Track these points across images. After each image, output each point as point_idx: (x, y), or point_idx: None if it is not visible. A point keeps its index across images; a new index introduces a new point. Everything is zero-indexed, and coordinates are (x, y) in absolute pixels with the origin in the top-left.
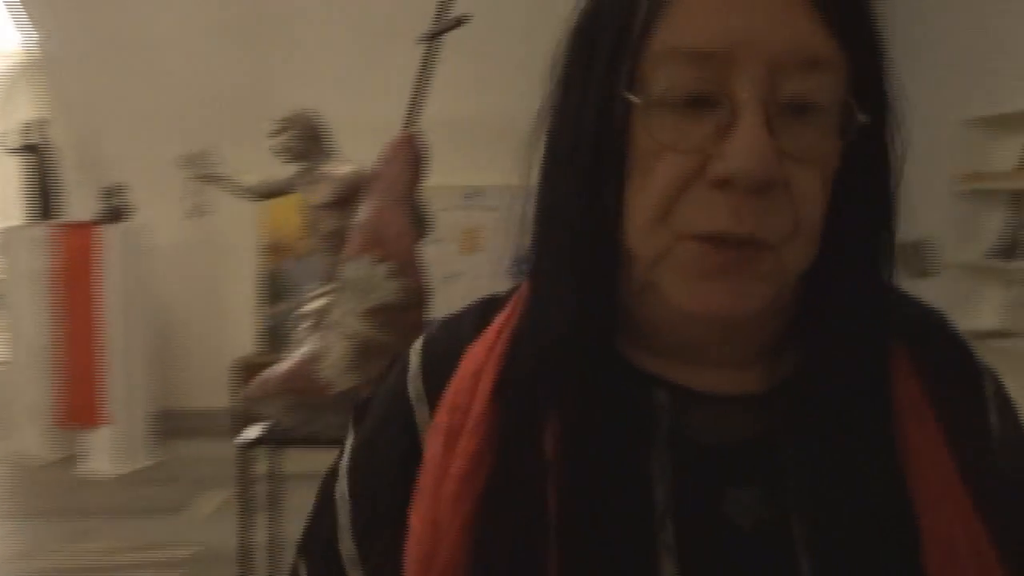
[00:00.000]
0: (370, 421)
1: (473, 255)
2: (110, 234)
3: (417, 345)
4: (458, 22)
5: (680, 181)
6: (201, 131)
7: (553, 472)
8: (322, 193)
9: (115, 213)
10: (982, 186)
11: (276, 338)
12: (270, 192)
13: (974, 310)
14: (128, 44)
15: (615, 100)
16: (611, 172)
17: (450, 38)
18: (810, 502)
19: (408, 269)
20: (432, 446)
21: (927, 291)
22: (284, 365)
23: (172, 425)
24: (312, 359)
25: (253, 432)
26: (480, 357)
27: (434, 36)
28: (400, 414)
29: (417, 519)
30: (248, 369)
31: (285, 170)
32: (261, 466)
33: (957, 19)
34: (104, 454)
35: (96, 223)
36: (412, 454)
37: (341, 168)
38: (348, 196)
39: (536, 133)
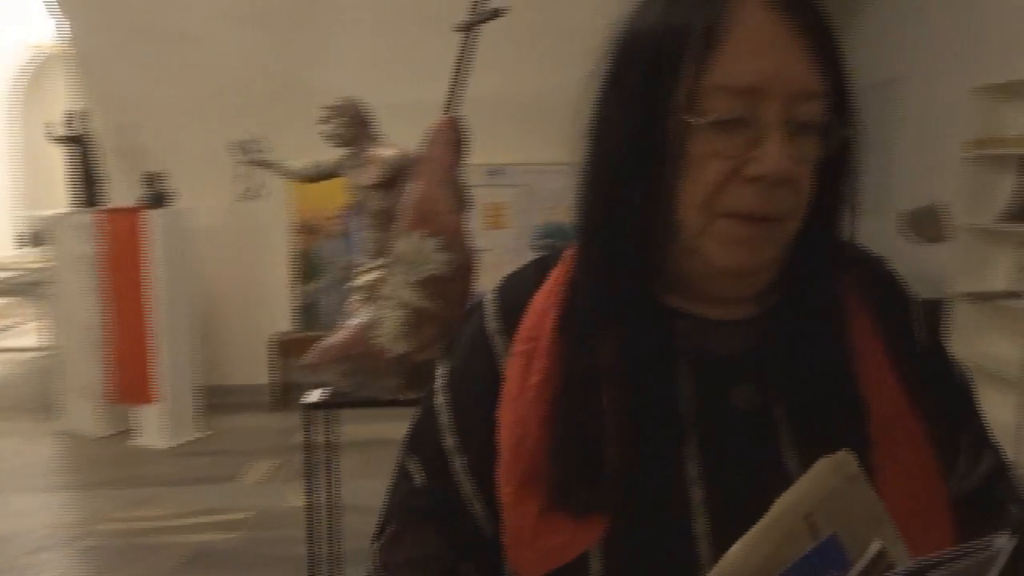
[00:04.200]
0: (459, 351)
1: (497, 231)
2: (154, 219)
3: (490, 295)
4: (495, 13)
5: (723, 177)
6: (237, 119)
7: (607, 378)
8: (370, 175)
9: (157, 199)
10: (994, 151)
11: (310, 315)
12: (319, 175)
13: (986, 272)
14: (162, 35)
15: (671, 118)
16: (667, 170)
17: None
18: (787, 390)
19: (455, 243)
20: (513, 366)
21: (941, 254)
22: (341, 334)
23: (216, 400)
24: (368, 328)
25: (315, 396)
26: (545, 301)
27: (471, 25)
28: (483, 345)
29: (507, 417)
30: (285, 345)
31: (329, 153)
32: (315, 434)
33: None
34: (154, 429)
35: (140, 208)
36: (493, 373)
37: (387, 151)
38: (394, 177)
39: (583, 129)
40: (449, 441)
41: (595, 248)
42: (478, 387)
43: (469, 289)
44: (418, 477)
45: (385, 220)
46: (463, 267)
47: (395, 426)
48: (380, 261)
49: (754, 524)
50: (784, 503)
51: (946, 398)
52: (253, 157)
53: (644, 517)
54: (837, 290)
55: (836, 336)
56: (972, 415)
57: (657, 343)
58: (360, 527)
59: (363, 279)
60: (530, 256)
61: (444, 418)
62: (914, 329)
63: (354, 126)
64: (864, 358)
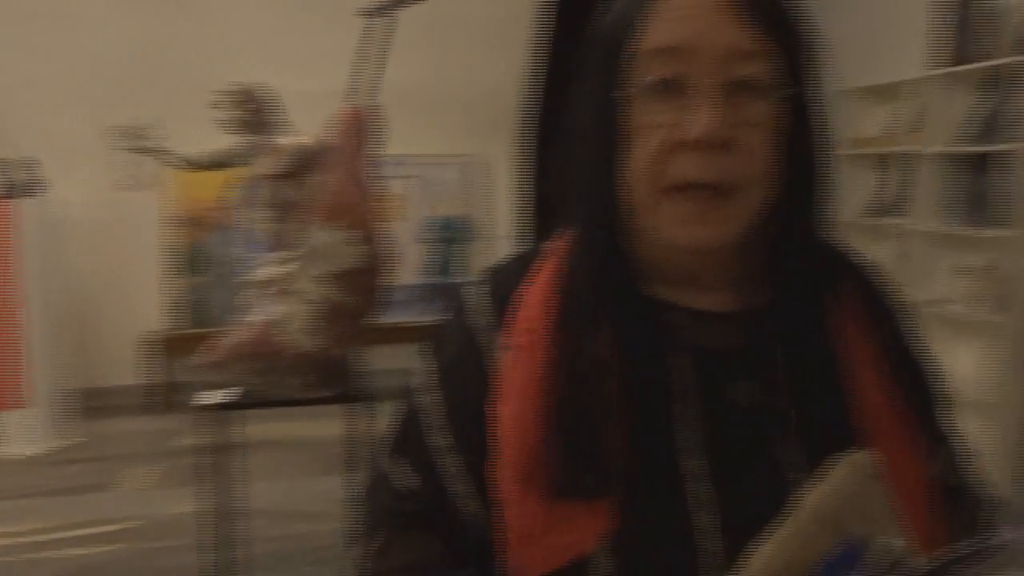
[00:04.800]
0: (445, 348)
1: (393, 222)
2: (22, 209)
3: (474, 290)
4: None
5: (663, 146)
6: (115, 104)
7: (607, 372)
8: (273, 164)
9: (26, 187)
10: (858, 150)
11: (194, 311)
12: (212, 164)
13: None
14: (28, 11)
15: (615, 94)
16: (617, 147)
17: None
18: (785, 387)
19: (371, 236)
20: (510, 360)
21: None
22: (244, 332)
23: (91, 403)
24: (275, 324)
25: (215, 397)
26: (542, 294)
27: (389, 10)
28: (471, 341)
29: (508, 411)
30: (167, 344)
31: (223, 141)
32: (219, 436)
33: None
34: (21, 435)
35: (7, 198)
36: (489, 368)
37: (292, 140)
38: (300, 167)
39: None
40: (442, 441)
41: (580, 239)
42: (471, 383)
43: (387, 282)
44: (406, 481)
45: (289, 212)
46: (379, 260)
47: (298, 425)
48: (284, 254)
49: (761, 517)
50: (809, 503)
51: (926, 390)
52: (138, 144)
53: (650, 512)
54: (825, 285)
55: (827, 333)
56: (939, 404)
57: (654, 336)
58: (264, 531)
59: (264, 273)
60: (424, 249)
61: (435, 417)
62: (894, 324)
63: (256, 113)
64: (854, 353)
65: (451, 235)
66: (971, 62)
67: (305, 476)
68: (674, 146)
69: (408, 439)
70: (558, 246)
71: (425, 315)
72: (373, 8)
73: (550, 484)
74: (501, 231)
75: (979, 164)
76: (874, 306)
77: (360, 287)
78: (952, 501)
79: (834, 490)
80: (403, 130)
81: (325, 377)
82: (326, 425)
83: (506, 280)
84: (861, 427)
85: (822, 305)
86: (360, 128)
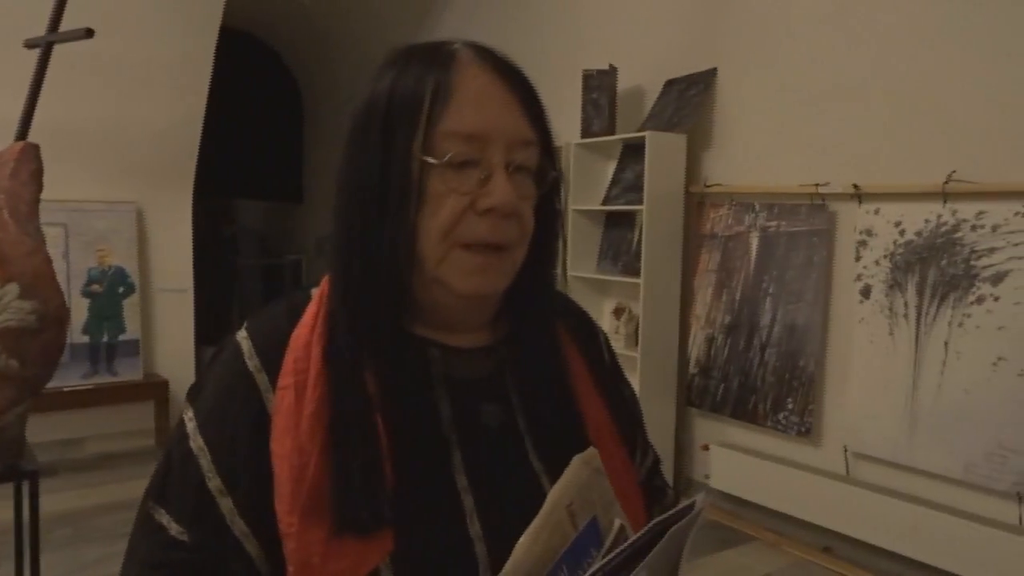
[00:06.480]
0: (211, 392)
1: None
2: None
3: (242, 335)
4: (88, 34)
5: (459, 212)
6: None
7: (375, 404)
8: None
9: None
10: None
11: None
12: None
13: None
14: None
15: (412, 161)
16: (410, 207)
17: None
18: (526, 408)
19: (39, 289)
20: (285, 399)
21: None
22: None
23: None
24: None
25: None
26: (306, 335)
27: (52, 44)
28: (243, 384)
29: (284, 448)
30: None
31: None
32: None
33: None
34: None
35: None
36: (257, 409)
37: None
38: None
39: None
40: (213, 483)
41: (350, 284)
42: (241, 425)
43: (59, 341)
44: (172, 530)
45: None
46: (50, 317)
47: None
48: None
49: (519, 521)
50: (552, 498)
51: (626, 408)
52: None
53: (425, 528)
54: (554, 325)
55: (556, 362)
56: (640, 421)
57: (414, 370)
58: None
59: None
60: (79, 303)
61: (204, 461)
62: (603, 356)
63: None
64: (576, 379)
65: (105, 288)
66: (613, 134)
67: None
68: (468, 212)
69: (174, 487)
70: (323, 290)
71: (80, 378)
72: (44, 40)
73: (329, 519)
74: (161, 282)
75: (623, 220)
76: (587, 343)
77: (27, 348)
78: (656, 496)
79: (569, 484)
80: (51, 173)
81: None
82: None
83: (274, 324)
84: (586, 436)
85: (551, 339)
86: (29, 168)
